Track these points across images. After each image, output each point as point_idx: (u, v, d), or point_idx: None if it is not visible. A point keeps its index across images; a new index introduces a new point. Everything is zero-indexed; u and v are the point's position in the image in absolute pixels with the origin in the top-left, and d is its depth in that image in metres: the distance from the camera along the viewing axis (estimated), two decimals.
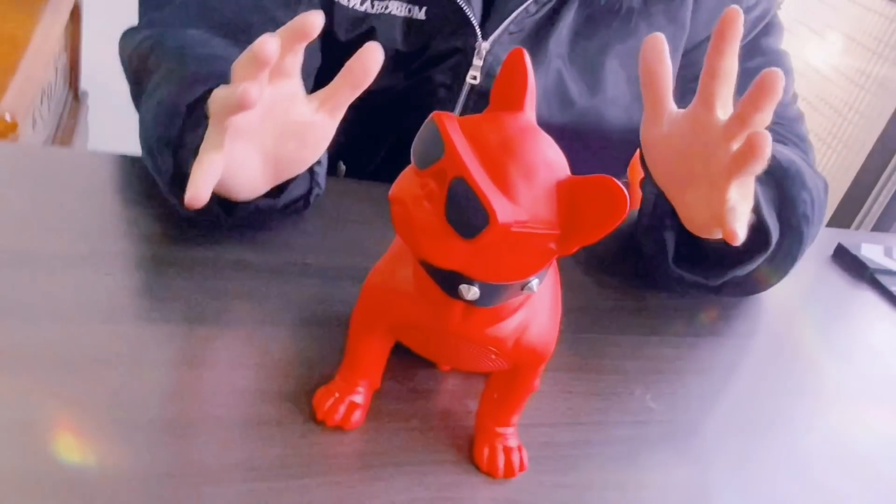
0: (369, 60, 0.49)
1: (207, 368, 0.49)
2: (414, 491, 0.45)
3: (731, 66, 0.57)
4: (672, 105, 0.61)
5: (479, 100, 0.78)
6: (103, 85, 1.89)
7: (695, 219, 0.63)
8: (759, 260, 0.65)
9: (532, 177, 0.36)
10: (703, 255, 0.67)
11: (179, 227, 0.60)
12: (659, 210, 0.67)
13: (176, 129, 0.55)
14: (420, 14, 0.75)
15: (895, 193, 1.68)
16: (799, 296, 0.84)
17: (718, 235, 0.62)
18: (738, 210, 0.55)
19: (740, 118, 0.55)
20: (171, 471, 0.42)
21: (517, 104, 0.39)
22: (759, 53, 0.83)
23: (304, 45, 0.49)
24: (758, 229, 0.63)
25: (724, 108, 0.58)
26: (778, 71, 0.53)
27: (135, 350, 0.48)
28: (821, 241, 0.94)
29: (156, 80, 0.60)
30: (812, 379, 0.69)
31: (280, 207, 0.61)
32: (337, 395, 0.47)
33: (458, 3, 0.74)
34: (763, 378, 0.67)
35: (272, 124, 0.53)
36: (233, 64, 0.48)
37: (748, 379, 0.67)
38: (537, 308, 0.44)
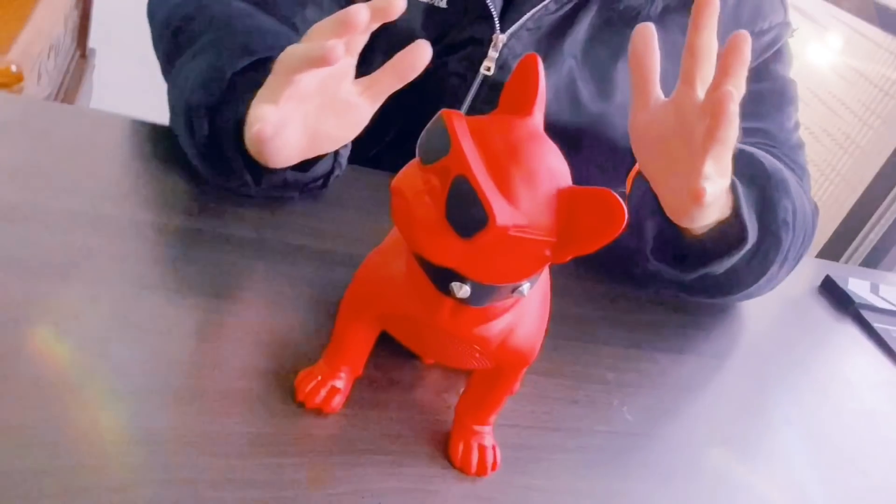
0: (417, 56, 0.53)
1: (193, 340, 0.49)
2: (386, 480, 0.45)
3: (709, 43, 0.59)
4: (658, 91, 0.62)
5: (491, 91, 0.78)
6: (111, 44, 1.88)
7: (675, 203, 0.64)
8: (735, 258, 0.66)
9: (534, 183, 0.36)
10: (680, 251, 0.68)
11: (177, 196, 0.60)
12: (642, 201, 0.69)
13: (216, 95, 0.57)
14: (441, 2, 0.75)
15: (887, 230, 1.69)
16: (783, 323, 0.85)
17: (700, 224, 0.63)
18: (712, 181, 0.56)
19: (714, 88, 0.56)
20: (143, 437, 0.42)
21: (526, 109, 0.39)
22: (766, 78, 0.84)
23: (379, 24, 0.51)
24: (735, 226, 0.64)
25: (703, 87, 0.59)
26: (744, 32, 0.55)
27: (121, 315, 0.49)
28: (809, 272, 0.95)
29: (199, 46, 0.61)
30: (787, 406, 0.70)
31: (305, 183, 0.62)
32: (319, 378, 0.48)
33: None
34: (739, 401, 0.68)
35: (322, 96, 0.55)
36: (314, 26, 0.51)
37: (724, 400, 0.68)
38: (525, 312, 0.44)
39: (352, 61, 0.55)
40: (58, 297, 0.48)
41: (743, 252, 0.65)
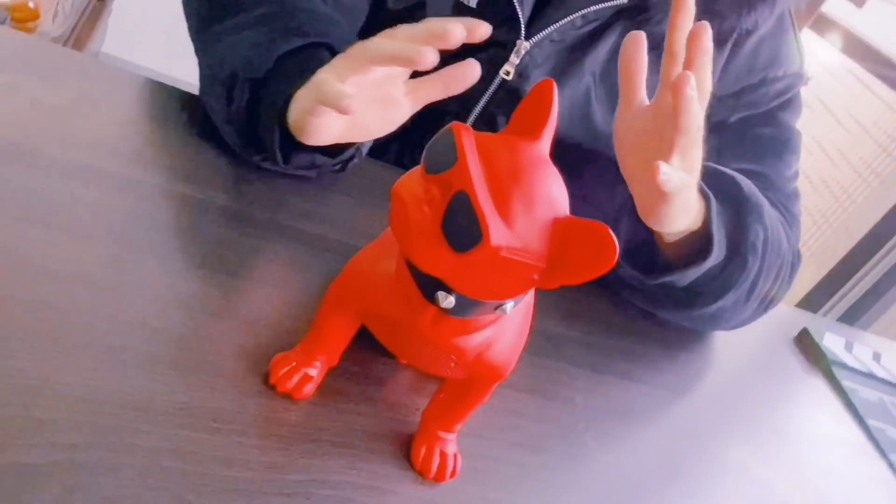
0: (468, 74, 0.54)
1: (171, 309, 0.49)
2: (345, 473, 0.46)
3: (685, 42, 0.60)
4: (643, 95, 0.64)
5: (507, 96, 0.79)
6: None
7: (645, 203, 0.65)
8: (698, 270, 0.67)
9: (532, 208, 0.37)
10: (648, 256, 0.69)
11: (176, 160, 0.60)
12: (619, 204, 0.70)
13: (263, 70, 0.58)
14: (472, 2, 0.76)
15: (869, 289, 1.71)
16: (755, 370, 0.86)
17: (668, 228, 0.65)
18: (675, 170, 0.57)
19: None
20: (106, 399, 0.42)
21: (535, 133, 0.40)
22: (772, 124, 0.85)
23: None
24: (702, 238, 0.66)
25: None
26: (704, 23, 0.57)
27: (102, 274, 0.49)
28: (787, 321, 0.96)
29: (251, 17, 0.62)
30: (747, 453, 0.71)
31: (328, 165, 0.63)
32: (294, 363, 0.48)
33: None
34: (700, 440, 0.69)
35: (376, 90, 0.55)
36: (402, 27, 0.52)
37: (686, 438, 0.69)
38: (506, 328, 0.44)
39: None
40: (40, 245, 0.48)
41: (707, 266, 0.67)
